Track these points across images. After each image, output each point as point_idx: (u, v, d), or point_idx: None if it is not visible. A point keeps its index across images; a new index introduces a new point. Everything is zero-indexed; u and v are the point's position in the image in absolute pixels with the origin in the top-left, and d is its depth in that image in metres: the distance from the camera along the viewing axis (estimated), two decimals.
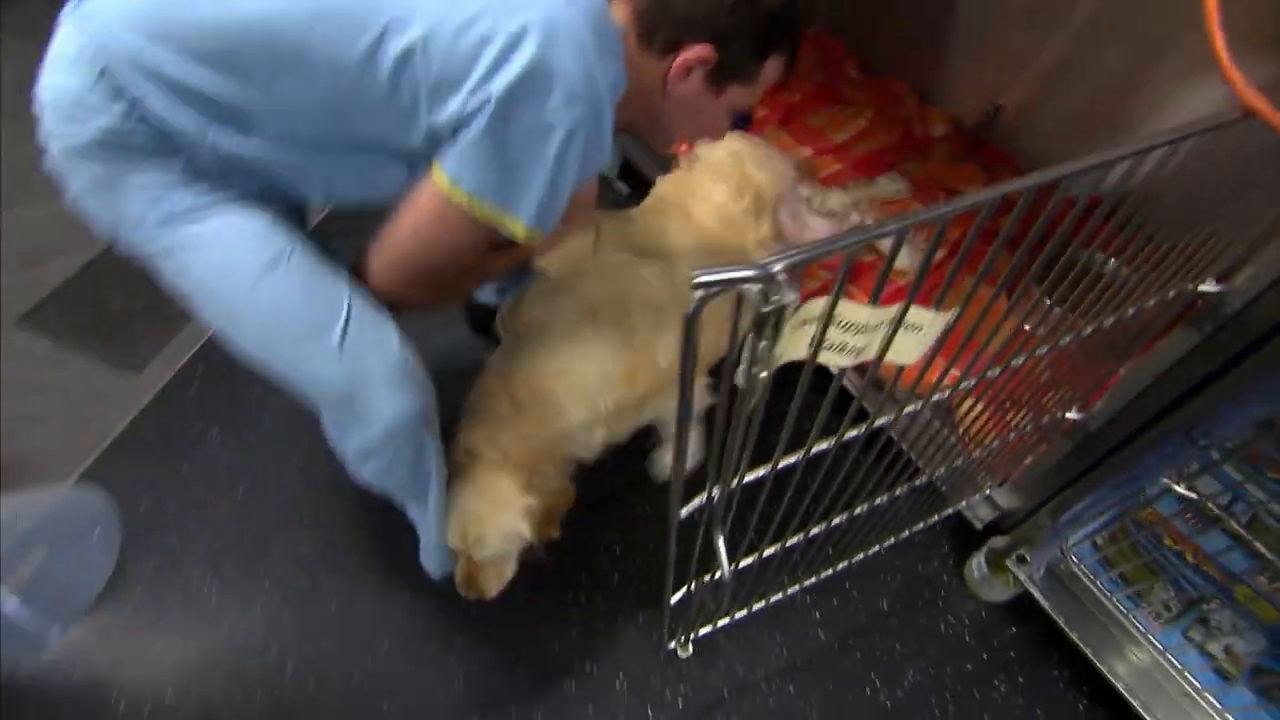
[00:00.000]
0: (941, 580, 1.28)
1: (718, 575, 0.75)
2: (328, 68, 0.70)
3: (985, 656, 1.21)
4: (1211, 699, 0.99)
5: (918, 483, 0.95)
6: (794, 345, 0.50)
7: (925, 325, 0.55)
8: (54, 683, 1.17)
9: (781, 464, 0.67)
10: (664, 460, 1.30)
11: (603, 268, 1.08)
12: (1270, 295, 0.71)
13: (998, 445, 0.98)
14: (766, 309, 0.43)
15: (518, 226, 0.77)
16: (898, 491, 0.93)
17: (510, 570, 1.04)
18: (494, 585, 1.03)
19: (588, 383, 1.01)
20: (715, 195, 1.22)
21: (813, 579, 1.14)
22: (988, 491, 1.19)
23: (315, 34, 0.68)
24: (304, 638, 1.21)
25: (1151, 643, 1.05)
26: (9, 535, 1.17)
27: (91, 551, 1.28)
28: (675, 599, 0.99)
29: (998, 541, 1.21)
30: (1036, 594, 1.13)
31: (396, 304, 0.88)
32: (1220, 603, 1.09)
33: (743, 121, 1.76)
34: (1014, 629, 1.23)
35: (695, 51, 0.79)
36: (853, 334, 0.53)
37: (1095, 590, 1.10)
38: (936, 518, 1.22)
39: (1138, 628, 1.06)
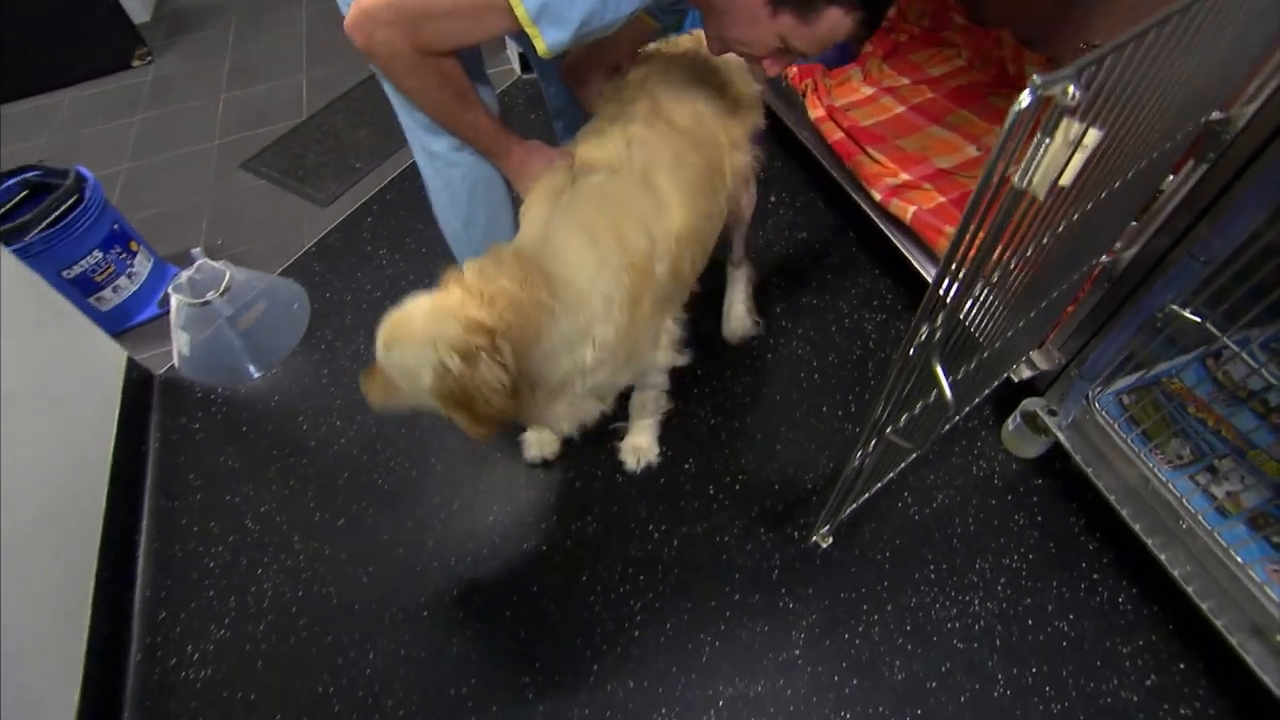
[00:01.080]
0: (980, 435, 1.45)
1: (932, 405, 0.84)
2: None
3: (1009, 497, 1.36)
4: (1204, 521, 1.12)
5: (984, 356, 1.09)
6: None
7: (1090, 145, 0.58)
8: (258, 401, 1.54)
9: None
10: (633, 442, 1.38)
11: (585, 191, 1.00)
12: (1261, 117, 0.87)
13: (1043, 306, 1.15)
14: (1070, 103, 0.47)
15: (520, 7, 0.79)
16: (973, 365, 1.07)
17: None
18: (377, 396, 0.93)
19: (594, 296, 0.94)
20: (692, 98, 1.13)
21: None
22: (1029, 354, 1.36)
23: None
24: None
25: (1158, 477, 1.18)
26: (245, 290, 1.55)
27: (291, 319, 1.65)
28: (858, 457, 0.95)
29: (1032, 401, 1.37)
30: (1061, 438, 1.29)
31: (369, 41, 0.84)
32: (1232, 460, 1.22)
33: (849, 54, 1.97)
34: (1039, 480, 1.38)
35: None
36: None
37: (1113, 434, 1.24)
38: (995, 383, 1.39)
39: (1148, 466, 1.20)
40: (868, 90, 1.90)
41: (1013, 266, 0.84)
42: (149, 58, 2.52)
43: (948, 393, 0.76)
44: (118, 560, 1.28)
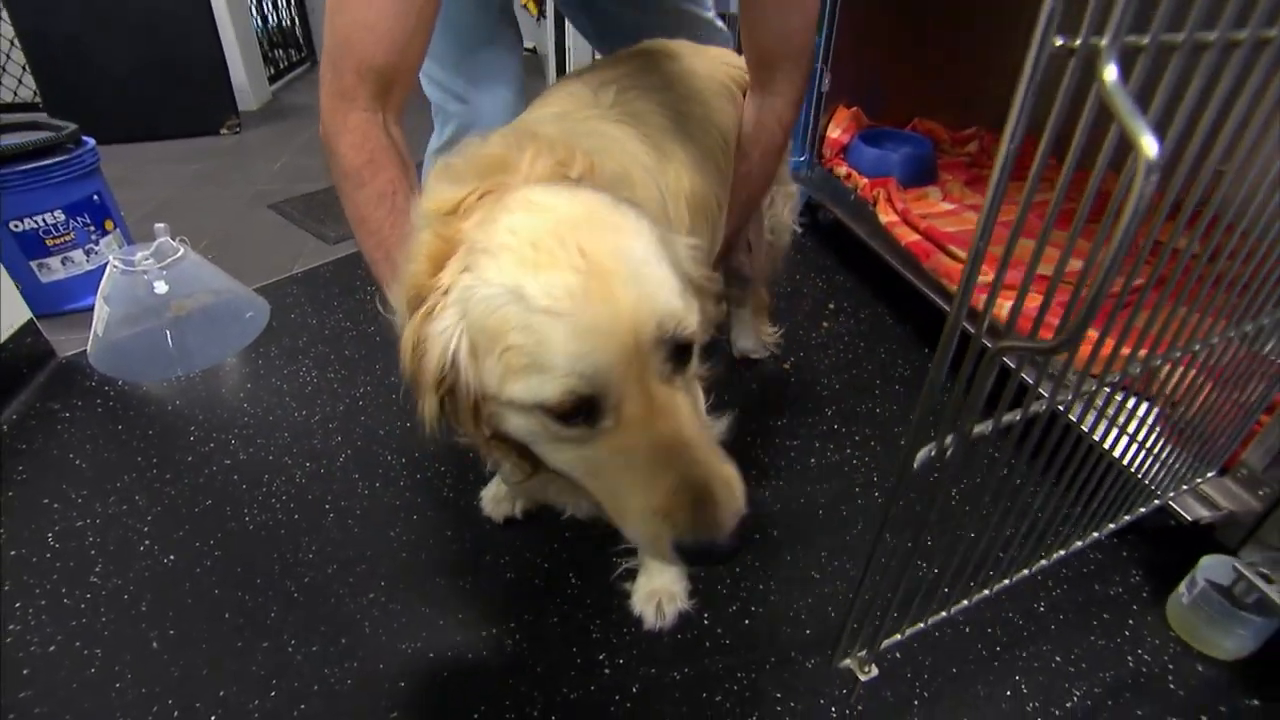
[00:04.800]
0: (1130, 609, 0.94)
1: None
2: None
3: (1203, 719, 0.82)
4: None
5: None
6: None
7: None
8: (155, 402, 1.24)
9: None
10: (650, 584, 0.90)
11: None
12: None
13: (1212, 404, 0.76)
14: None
15: None
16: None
17: None
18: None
19: None
20: None
21: (984, 592, 0.77)
22: (1197, 481, 0.91)
23: None
24: (368, 440, 1.16)
25: None
26: (193, 277, 1.32)
27: (238, 326, 1.40)
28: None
29: (1216, 561, 0.89)
30: None
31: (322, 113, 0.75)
32: None
33: (927, 174, 1.80)
34: (1254, 699, 0.84)
35: None
36: None
37: None
38: (1127, 517, 0.93)
39: None
40: (947, 206, 1.69)
41: None
42: (237, 129, 2.66)
43: None
44: None
